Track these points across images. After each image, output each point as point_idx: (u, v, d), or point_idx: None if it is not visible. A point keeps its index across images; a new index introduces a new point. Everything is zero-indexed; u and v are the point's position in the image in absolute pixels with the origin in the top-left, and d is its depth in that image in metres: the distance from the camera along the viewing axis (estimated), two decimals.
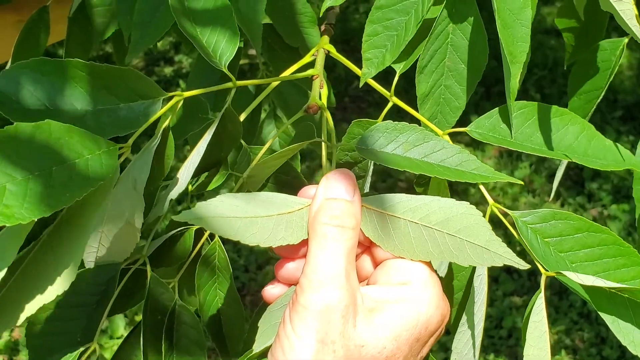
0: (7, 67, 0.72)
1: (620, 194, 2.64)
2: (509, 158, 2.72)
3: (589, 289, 0.45)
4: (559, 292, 2.45)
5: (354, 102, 3.02)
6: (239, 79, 0.49)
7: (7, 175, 0.39)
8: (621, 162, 0.50)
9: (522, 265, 0.46)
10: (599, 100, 0.60)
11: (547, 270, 0.48)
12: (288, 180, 0.55)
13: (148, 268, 0.51)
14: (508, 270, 2.53)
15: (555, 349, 2.28)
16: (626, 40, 0.59)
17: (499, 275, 2.50)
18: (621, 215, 2.58)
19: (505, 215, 0.50)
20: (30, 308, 0.44)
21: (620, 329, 0.45)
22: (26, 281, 0.44)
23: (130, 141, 0.43)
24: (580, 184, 2.76)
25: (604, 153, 0.51)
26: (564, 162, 0.60)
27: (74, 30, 0.70)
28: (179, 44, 3.12)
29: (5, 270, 0.40)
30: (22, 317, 0.44)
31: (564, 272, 0.46)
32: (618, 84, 3.00)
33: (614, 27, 0.61)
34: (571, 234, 0.48)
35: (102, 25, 0.65)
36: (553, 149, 0.50)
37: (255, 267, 2.47)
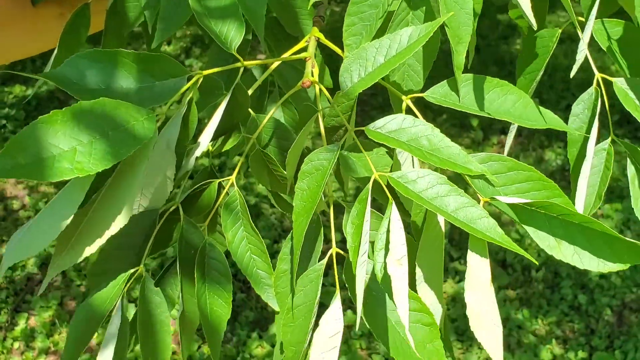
0: (53, 55, 0.85)
1: (614, 194, 2.73)
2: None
3: (515, 208, 0.57)
4: (551, 286, 2.54)
5: (359, 105, 3.12)
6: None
7: (77, 140, 0.53)
8: (543, 122, 0.63)
9: None
10: (538, 78, 0.71)
11: (484, 197, 0.60)
12: (288, 145, 0.68)
13: (181, 212, 0.64)
14: (503, 264, 2.63)
15: (546, 339, 2.37)
16: (559, 30, 0.70)
17: (494, 270, 2.61)
18: (613, 214, 2.66)
19: None
20: (93, 246, 0.57)
21: (539, 236, 0.57)
22: (91, 223, 0.57)
23: (164, 109, 0.56)
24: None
25: (535, 116, 0.63)
26: (515, 126, 0.72)
27: (111, 23, 0.82)
28: (190, 48, 3.27)
29: (75, 209, 0.54)
30: (87, 252, 0.57)
31: (496, 197, 0.58)
32: None
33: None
34: (504, 172, 0.60)
35: (133, 17, 0.78)
36: (484, 110, 0.63)
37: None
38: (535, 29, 0.64)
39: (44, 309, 2.58)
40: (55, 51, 0.84)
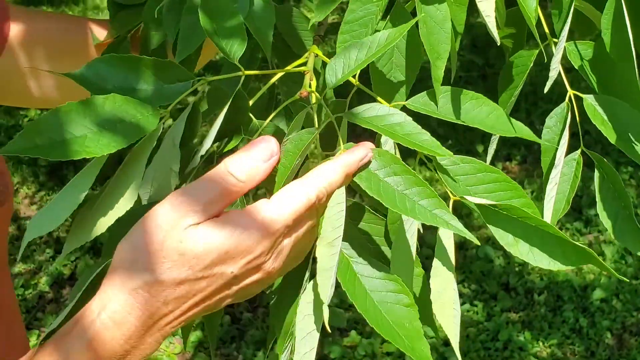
0: None
1: None
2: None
3: (480, 208, 0.63)
4: (553, 309, 2.57)
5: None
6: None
7: (88, 128, 0.61)
8: (513, 131, 0.69)
9: None
10: (517, 94, 0.77)
11: (454, 196, 0.65)
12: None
13: None
14: (506, 288, 2.68)
15: None
16: (536, 51, 0.76)
17: (498, 293, 2.63)
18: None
19: (430, 160, 0.67)
20: (102, 226, 0.64)
21: (500, 234, 0.63)
22: (101, 207, 0.64)
23: (170, 107, 0.64)
24: (578, 210, 2.88)
25: (506, 126, 0.69)
26: (496, 137, 0.78)
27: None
28: (202, 74, 3.37)
29: (87, 190, 0.61)
30: (97, 232, 0.64)
31: (465, 197, 0.64)
32: None
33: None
34: (474, 173, 0.66)
35: (154, 37, 0.85)
36: (464, 120, 0.69)
37: None
38: (497, 44, 0.70)
39: None
40: None
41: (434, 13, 0.69)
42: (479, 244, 0.62)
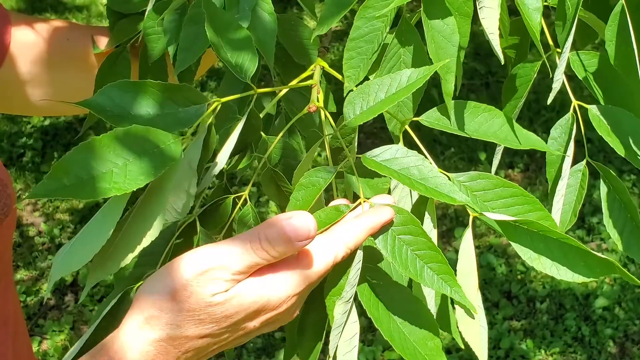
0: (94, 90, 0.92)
1: None
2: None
3: (501, 223, 0.64)
4: (555, 317, 2.57)
5: (369, 138, 3.20)
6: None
7: (113, 163, 0.59)
8: (528, 143, 0.69)
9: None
10: (521, 105, 0.77)
11: (474, 212, 0.66)
12: (295, 165, 0.75)
13: (197, 224, 0.70)
14: (508, 296, 2.68)
15: None
16: (539, 62, 0.76)
17: (500, 301, 2.63)
18: (617, 248, 2.70)
19: (447, 177, 0.66)
20: (127, 258, 0.63)
21: (522, 249, 0.64)
22: (125, 238, 0.63)
23: (189, 133, 0.63)
24: (580, 218, 2.86)
25: (520, 137, 0.70)
26: (500, 147, 0.78)
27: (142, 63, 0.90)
28: (205, 82, 3.37)
29: (114, 224, 0.60)
30: (121, 264, 0.63)
31: (484, 213, 0.64)
32: None
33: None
34: (491, 189, 0.66)
35: (155, 49, 0.84)
36: (478, 133, 0.69)
37: None
38: (502, 63, 0.71)
39: (56, 333, 2.63)
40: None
41: (441, 27, 0.69)
42: (476, 310, 0.63)
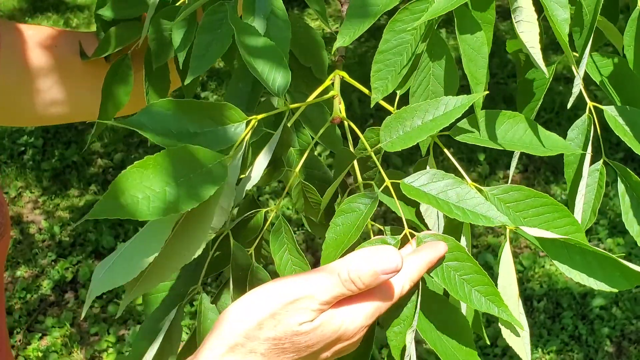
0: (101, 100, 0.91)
1: (616, 229, 2.79)
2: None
3: (540, 239, 0.66)
4: (552, 316, 2.59)
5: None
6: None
7: (166, 182, 0.60)
8: (555, 148, 0.70)
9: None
10: (537, 108, 0.78)
11: (510, 226, 0.67)
12: (319, 175, 0.76)
13: (231, 238, 0.71)
14: None
15: None
16: (554, 66, 0.77)
17: None
18: (615, 248, 2.73)
19: (481, 191, 0.69)
20: (167, 276, 0.64)
21: (563, 265, 0.66)
22: (166, 256, 0.63)
23: (232, 153, 0.64)
24: None
25: (545, 141, 0.71)
26: (517, 153, 0.79)
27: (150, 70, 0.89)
28: (206, 82, 3.38)
29: (161, 245, 0.60)
30: (160, 282, 0.64)
31: (521, 227, 0.66)
32: None
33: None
34: (523, 200, 0.68)
35: (160, 56, 0.84)
36: (498, 143, 0.70)
37: None
38: (547, 77, 0.71)
39: (56, 329, 2.64)
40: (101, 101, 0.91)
41: (471, 41, 0.70)
42: (523, 328, 0.66)
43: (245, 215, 0.74)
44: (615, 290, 0.65)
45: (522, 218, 0.68)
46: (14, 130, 3.45)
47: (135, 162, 0.59)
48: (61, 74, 0.95)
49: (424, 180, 0.67)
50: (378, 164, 0.70)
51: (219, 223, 0.68)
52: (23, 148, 3.38)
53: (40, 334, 2.65)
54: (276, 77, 0.69)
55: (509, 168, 3.20)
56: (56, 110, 0.97)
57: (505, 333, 0.67)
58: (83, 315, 0.65)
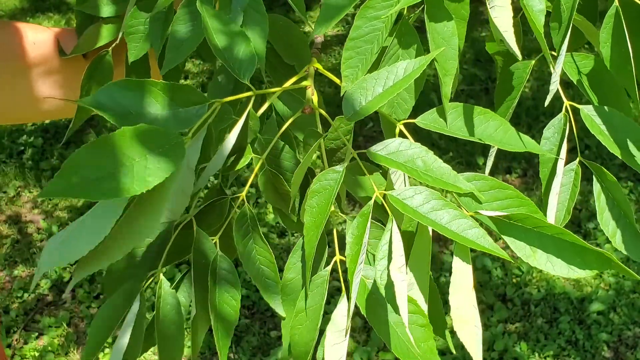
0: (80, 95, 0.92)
1: None
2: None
3: (496, 221, 0.64)
4: (549, 321, 2.57)
5: (368, 141, 3.20)
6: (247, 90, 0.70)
7: (120, 162, 0.57)
8: (523, 146, 0.69)
9: None
10: (514, 105, 0.78)
11: (469, 211, 0.66)
12: (290, 166, 0.75)
13: (194, 224, 0.70)
14: (503, 299, 2.68)
15: None
16: (533, 62, 0.77)
17: (495, 303, 2.63)
18: (614, 253, 2.74)
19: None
20: (119, 255, 0.61)
21: (517, 246, 0.64)
22: (119, 236, 0.61)
23: (190, 134, 0.63)
24: (577, 224, 2.87)
25: (515, 140, 0.70)
26: (494, 149, 0.78)
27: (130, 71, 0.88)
28: (206, 84, 3.39)
29: (113, 223, 0.58)
30: (112, 260, 0.61)
31: (479, 211, 0.65)
32: None
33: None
34: (487, 190, 0.67)
35: (136, 49, 0.82)
36: (474, 135, 0.69)
37: None
38: (520, 59, 0.71)
39: (53, 328, 2.64)
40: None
41: (442, 30, 0.69)
42: (510, 260, 0.63)
43: (210, 201, 0.73)
44: (573, 276, 0.62)
45: (487, 209, 0.67)
46: (13, 129, 3.46)
47: (90, 141, 0.58)
48: (38, 71, 0.94)
49: (392, 149, 0.66)
50: (345, 139, 0.69)
51: (180, 207, 0.67)
52: (22, 147, 3.39)
53: (37, 334, 2.64)
54: (242, 62, 0.68)
55: (508, 172, 3.21)
56: (49, 106, 0.97)
57: (458, 328, 0.65)
58: (32, 287, 0.63)
